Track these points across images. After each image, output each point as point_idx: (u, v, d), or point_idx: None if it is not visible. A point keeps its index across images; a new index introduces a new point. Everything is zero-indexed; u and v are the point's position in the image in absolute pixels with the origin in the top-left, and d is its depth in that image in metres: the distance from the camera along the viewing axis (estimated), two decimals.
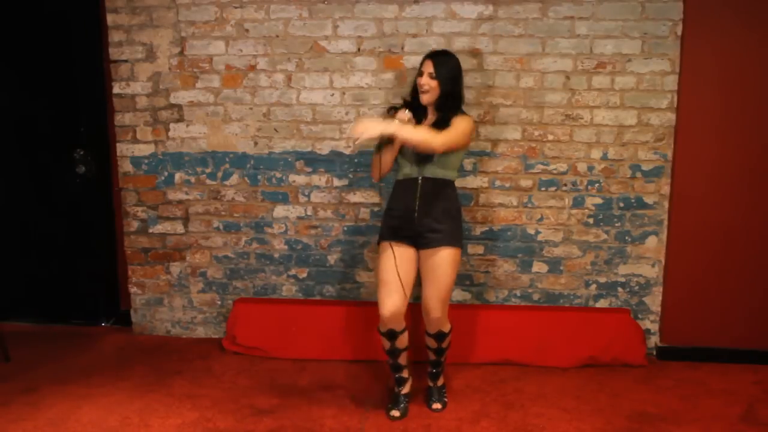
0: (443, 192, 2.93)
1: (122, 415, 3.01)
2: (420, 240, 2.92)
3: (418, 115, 2.95)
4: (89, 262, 4.11)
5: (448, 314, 2.99)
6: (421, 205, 2.89)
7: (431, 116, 2.97)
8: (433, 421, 2.97)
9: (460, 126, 2.88)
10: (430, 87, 2.89)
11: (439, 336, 3.00)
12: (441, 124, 2.86)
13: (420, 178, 2.91)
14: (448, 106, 2.92)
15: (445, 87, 2.89)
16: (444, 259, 2.88)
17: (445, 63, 2.90)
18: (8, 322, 4.09)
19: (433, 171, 2.91)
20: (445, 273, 2.88)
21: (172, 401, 3.15)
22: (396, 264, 2.87)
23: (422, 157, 2.88)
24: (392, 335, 2.94)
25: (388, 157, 2.97)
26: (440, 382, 3.15)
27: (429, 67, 2.89)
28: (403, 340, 2.98)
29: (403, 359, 3.03)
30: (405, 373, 3.08)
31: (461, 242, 2.98)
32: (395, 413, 3.00)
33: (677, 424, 2.96)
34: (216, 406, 3.11)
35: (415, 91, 2.97)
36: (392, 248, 2.91)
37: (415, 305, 3.15)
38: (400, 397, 3.07)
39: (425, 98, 2.91)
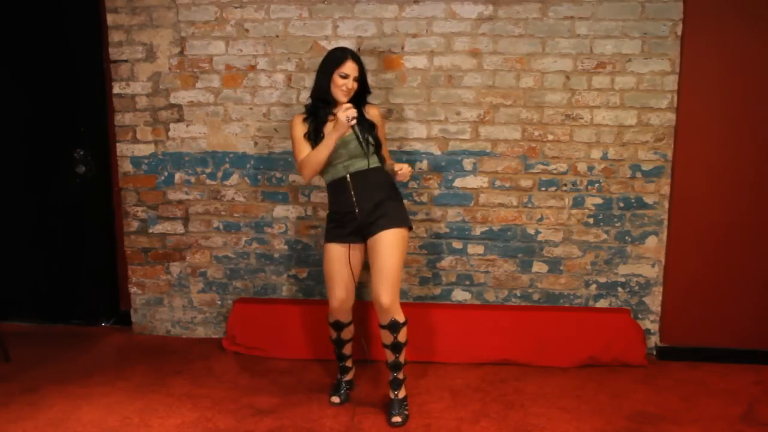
0: (375, 180, 2.94)
1: (122, 415, 3.01)
2: (366, 231, 2.93)
3: (324, 113, 2.96)
4: (89, 262, 4.11)
5: (401, 306, 2.95)
6: (359, 202, 2.90)
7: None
8: (434, 421, 2.97)
9: (381, 125, 3.07)
10: (350, 90, 2.92)
11: (393, 326, 2.90)
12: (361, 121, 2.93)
13: (347, 175, 2.91)
14: (362, 100, 2.99)
15: (361, 88, 2.98)
16: (388, 240, 2.88)
17: (361, 65, 2.95)
18: (8, 322, 4.09)
19: (358, 165, 2.91)
20: (391, 254, 2.87)
21: (172, 401, 3.15)
22: (339, 261, 2.97)
23: (346, 156, 2.89)
24: (338, 326, 3.10)
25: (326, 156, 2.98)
26: (401, 394, 3.01)
27: (353, 71, 2.90)
28: (347, 332, 3.14)
29: (347, 350, 3.19)
30: (349, 363, 3.23)
31: (407, 221, 2.98)
32: (335, 399, 3.16)
33: (677, 424, 2.96)
34: (216, 406, 3.11)
35: (322, 89, 2.95)
36: (336, 249, 2.98)
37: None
38: (342, 384, 3.22)
39: (344, 98, 2.91)
